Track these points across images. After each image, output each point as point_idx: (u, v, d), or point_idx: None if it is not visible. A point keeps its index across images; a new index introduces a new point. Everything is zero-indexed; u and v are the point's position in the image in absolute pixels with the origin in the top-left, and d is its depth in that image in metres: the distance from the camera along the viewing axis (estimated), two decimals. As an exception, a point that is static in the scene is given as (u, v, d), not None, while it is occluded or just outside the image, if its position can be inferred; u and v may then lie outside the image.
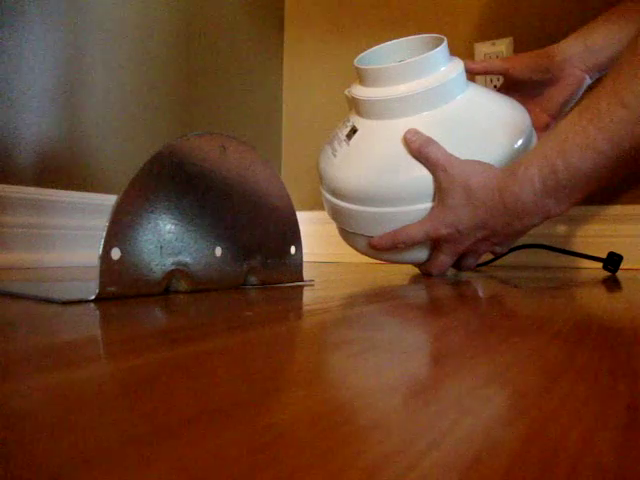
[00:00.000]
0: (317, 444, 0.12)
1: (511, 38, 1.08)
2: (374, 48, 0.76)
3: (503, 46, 1.09)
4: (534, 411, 0.15)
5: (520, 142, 0.69)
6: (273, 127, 1.35)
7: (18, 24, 0.80)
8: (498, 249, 0.70)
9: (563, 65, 0.77)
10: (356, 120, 0.73)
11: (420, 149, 0.65)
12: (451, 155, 0.65)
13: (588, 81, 0.78)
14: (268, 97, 1.33)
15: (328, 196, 0.75)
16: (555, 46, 0.79)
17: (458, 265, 0.73)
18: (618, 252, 0.81)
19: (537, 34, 1.06)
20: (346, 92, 0.78)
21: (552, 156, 0.59)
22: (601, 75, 0.77)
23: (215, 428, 0.13)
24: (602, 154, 0.57)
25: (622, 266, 0.81)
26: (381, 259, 0.75)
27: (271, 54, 1.34)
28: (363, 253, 0.77)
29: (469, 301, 0.46)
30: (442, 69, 0.69)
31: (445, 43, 0.69)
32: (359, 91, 0.72)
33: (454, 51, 0.72)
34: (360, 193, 0.69)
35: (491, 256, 0.81)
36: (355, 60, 0.73)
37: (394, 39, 0.76)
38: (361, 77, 0.72)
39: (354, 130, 0.72)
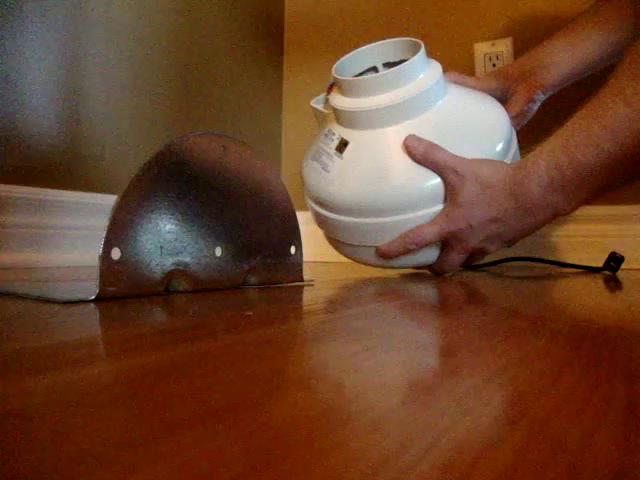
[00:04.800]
0: (317, 444, 0.12)
1: (511, 38, 1.08)
2: (348, 55, 0.75)
3: (503, 46, 1.09)
4: (534, 411, 0.15)
5: (500, 145, 0.70)
6: (273, 127, 1.35)
7: (18, 24, 0.80)
8: (507, 246, 0.70)
9: (518, 81, 0.81)
10: (342, 132, 0.71)
11: (425, 155, 0.65)
12: (456, 156, 0.65)
13: (541, 96, 0.81)
14: (268, 97, 1.33)
15: (325, 213, 0.73)
16: (511, 64, 0.83)
17: (465, 263, 0.73)
18: (618, 252, 0.81)
19: (537, 34, 1.06)
20: (314, 104, 0.77)
21: (558, 152, 0.60)
22: (555, 91, 0.82)
23: (215, 428, 0.13)
24: (605, 151, 0.57)
25: (623, 266, 0.81)
26: (391, 266, 0.74)
27: (271, 56, 1.34)
28: (371, 264, 0.75)
29: (469, 301, 0.46)
30: (422, 75, 0.69)
31: (423, 48, 0.69)
32: (344, 102, 0.70)
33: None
34: (367, 205, 0.68)
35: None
36: (333, 70, 0.72)
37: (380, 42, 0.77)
38: (345, 88, 0.70)
39: (344, 143, 0.70)
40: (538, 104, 0.81)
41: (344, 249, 0.77)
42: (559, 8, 1.05)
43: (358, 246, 0.73)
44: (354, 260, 0.78)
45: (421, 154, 0.66)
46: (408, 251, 0.68)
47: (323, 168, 0.72)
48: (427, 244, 0.68)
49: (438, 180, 0.66)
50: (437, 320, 0.34)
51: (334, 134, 0.72)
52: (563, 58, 0.79)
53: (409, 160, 0.67)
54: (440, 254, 0.71)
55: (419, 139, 0.66)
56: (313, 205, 0.75)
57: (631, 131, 0.56)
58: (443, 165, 0.65)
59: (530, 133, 0.86)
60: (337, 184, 0.70)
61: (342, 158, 0.70)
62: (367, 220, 0.69)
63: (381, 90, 0.68)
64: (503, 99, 0.81)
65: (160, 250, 0.41)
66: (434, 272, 0.74)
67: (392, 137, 0.68)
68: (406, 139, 0.67)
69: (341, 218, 0.71)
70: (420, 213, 0.67)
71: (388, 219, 0.68)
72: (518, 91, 0.81)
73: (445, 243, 0.69)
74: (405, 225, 0.68)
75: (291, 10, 1.36)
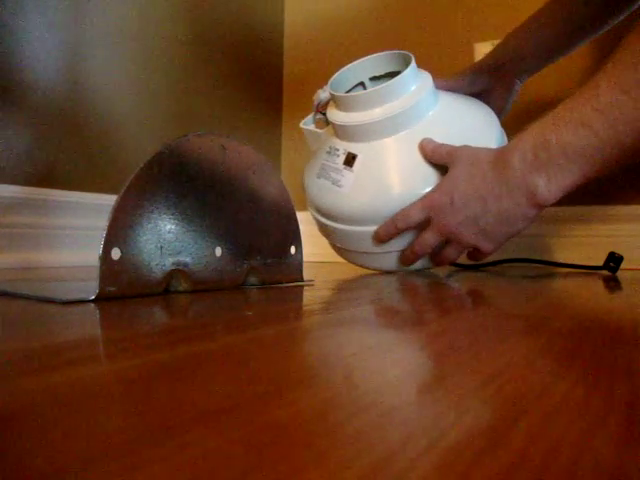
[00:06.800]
0: (317, 444, 0.12)
1: (511, 38, 1.08)
2: (340, 71, 0.77)
3: (503, 46, 1.08)
4: (534, 411, 0.15)
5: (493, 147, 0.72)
6: (273, 127, 1.35)
7: (18, 24, 0.80)
8: (484, 244, 0.68)
9: (494, 74, 0.83)
10: (347, 146, 0.73)
11: (433, 151, 0.69)
12: (460, 145, 0.68)
13: (518, 85, 0.85)
14: (268, 96, 1.33)
15: (340, 226, 0.74)
16: (484, 58, 0.85)
17: (438, 258, 0.73)
18: (618, 252, 0.81)
19: (537, 34, 1.06)
20: (304, 126, 0.79)
21: (547, 129, 0.61)
22: (528, 78, 0.85)
23: (215, 428, 0.13)
24: (595, 134, 0.58)
25: (622, 266, 0.81)
26: (409, 269, 0.76)
27: (271, 54, 1.34)
28: (391, 269, 0.76)
29: (469, 301, 0.46)
30: (415, 85, 0.71)
31: (413, 58, 0.72)
32: (347, 118, 0.72)
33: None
34: (384, 213, 0.70)
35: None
36: (329, 87, 0.74)
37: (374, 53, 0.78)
38: (347, 104, 0.72)
39: (353, 156, 0.72)
40: (516, 93, 0.85)
41: (359, 258, 0.78)
42: (559, 8, 1.05)
43: (378, 253, 0.74)
44: (370, 268, 0.79)
45: (430, 151, 0.69)
46: (399, 231, 0.69)
47: (334, 184, 0.73)
48: (414, 222, 0.68)
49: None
50: (437, 320, 0.34)
51: (338, 149, 0.73)
52: (536, 49, 0.82)
53: (424, 163, 0.70)
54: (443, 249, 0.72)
55: (430, 140, 0.70)
56: (324, 220, 0.76)
57: (625, 118, 0.56)
58: (447, 152, 0.68)
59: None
60: (352, 197, 0.71)
61: (353, 171, 0.72)
62: None
63: (384, 101, 0.70)
64: (481, 93, 0.83)
65: (160, 250, 0.41)
66: (408, 257, 0.73)
67: (399, 145, 0.71)
68: (421, 141, 0.70)
69: (359, 229, 0.72)
70: None
71: None
72: (497, 84, 0.83)
73: (425, 225, 0.69)
74: None
75: (290, 21, 1.36)
